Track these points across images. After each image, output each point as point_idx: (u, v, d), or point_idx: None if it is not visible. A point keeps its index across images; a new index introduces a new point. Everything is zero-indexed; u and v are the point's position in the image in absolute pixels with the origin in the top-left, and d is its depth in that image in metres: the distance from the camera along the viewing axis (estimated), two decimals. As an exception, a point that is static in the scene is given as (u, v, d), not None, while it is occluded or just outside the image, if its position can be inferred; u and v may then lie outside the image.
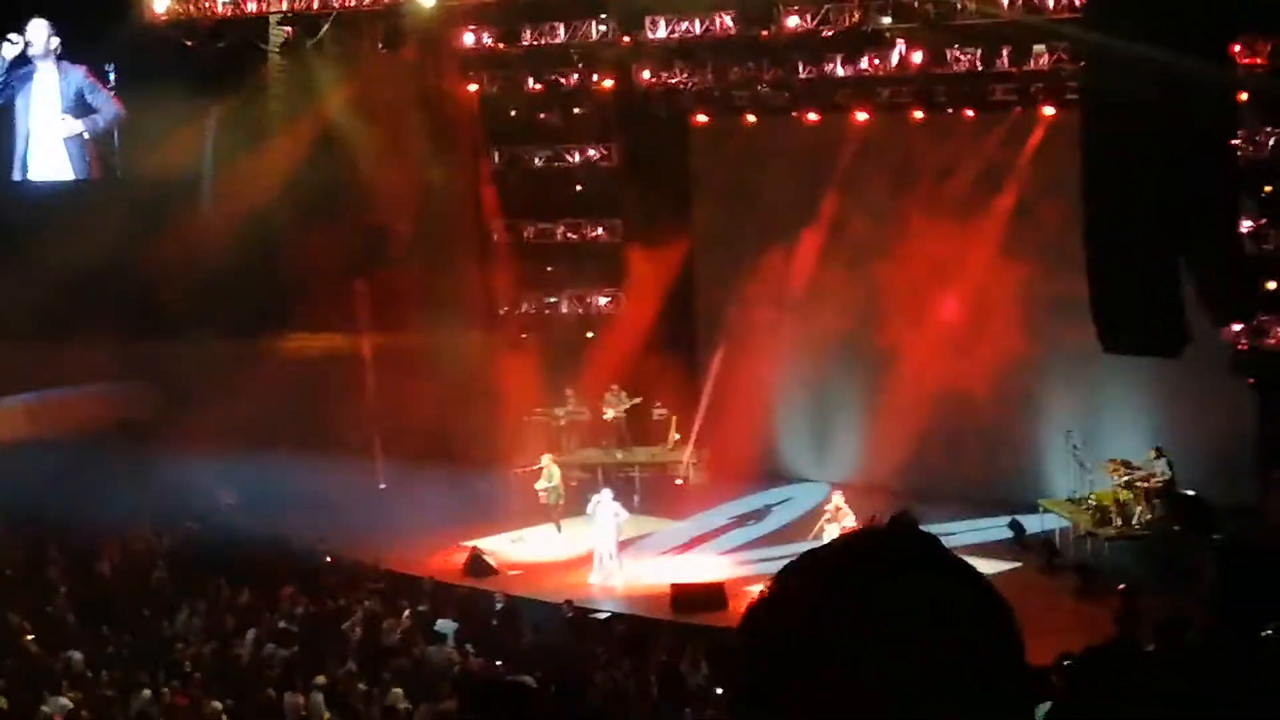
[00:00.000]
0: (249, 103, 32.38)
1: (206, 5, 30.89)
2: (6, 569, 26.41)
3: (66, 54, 34.51)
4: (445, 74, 32.94)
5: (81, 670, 20.21)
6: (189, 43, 31.84)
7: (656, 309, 33.01)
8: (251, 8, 30.52)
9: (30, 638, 21.83)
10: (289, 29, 30.52)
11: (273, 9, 30.38)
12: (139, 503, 29.10)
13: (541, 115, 33.79)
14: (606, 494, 27.25)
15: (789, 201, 32.11)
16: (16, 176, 35.14)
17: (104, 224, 32.39)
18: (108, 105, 34.51)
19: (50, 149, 34.99)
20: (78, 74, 34.63)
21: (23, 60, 34.40)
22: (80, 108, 34.70)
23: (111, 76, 34.35)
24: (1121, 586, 23.08)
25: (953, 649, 2.05)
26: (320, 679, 19.37)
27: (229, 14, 30.77)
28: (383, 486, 32.14)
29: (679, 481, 31.79)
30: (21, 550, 27.63)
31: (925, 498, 30.64)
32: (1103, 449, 27.70)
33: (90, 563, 26.88)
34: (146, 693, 19.07)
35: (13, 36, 34.09)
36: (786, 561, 2.20)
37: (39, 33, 34.40)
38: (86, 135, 34.80)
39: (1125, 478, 26.07)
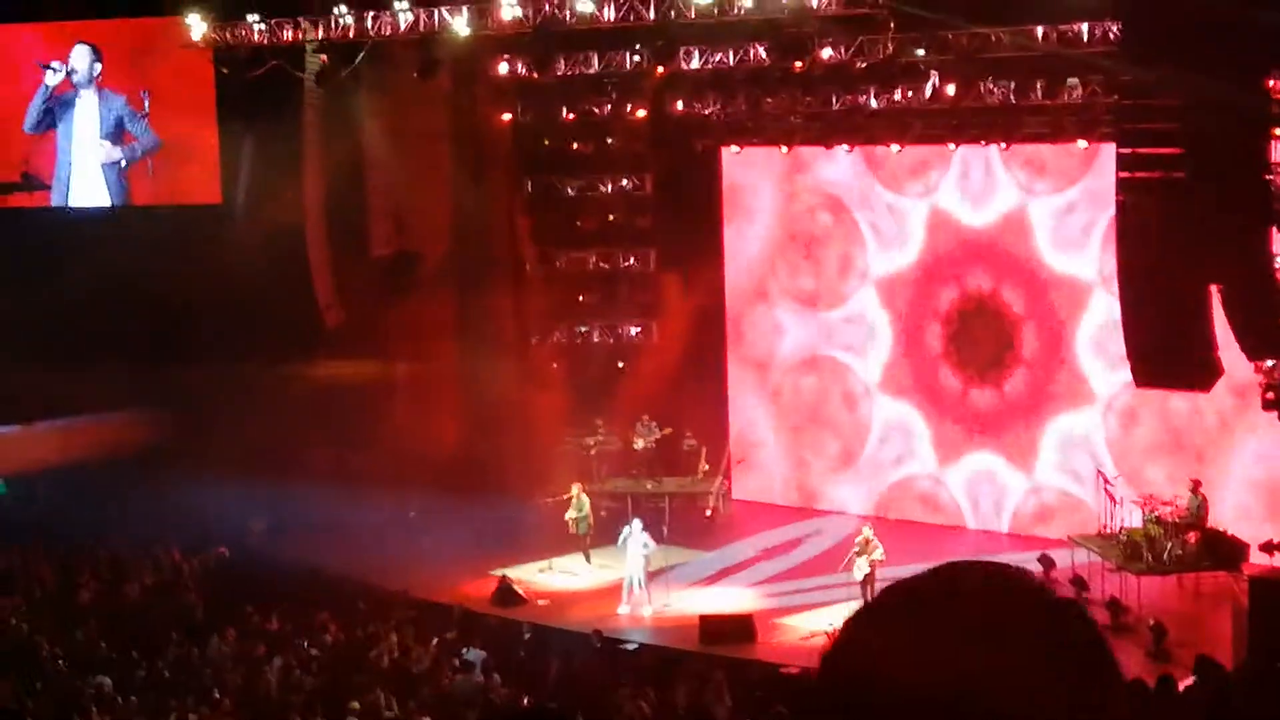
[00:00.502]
0: (284, 130, 32.48)
1: (243, 32, 30.98)
2: (37, 592, 26.47)
3: (108, 80, 34.85)
4: (480, 103, 33.01)
5: (111, 695, 20.24)
6: (225, 70, 31.94)
7: (688, 339, 33.03)
8: (288, 35, 30.60)
9: (60, 661, 21.90)
10: (325, 57, 30.59)
11: (309, 37, 30.46)
12: (169, 527, 29.19)
13: (575, 145, 33.87)
14: (636, 524, 27.22)
15: (820, 233, 32.14)
16: (56, 201, 35.45)
17: (137, 249, 32.61)
18: (146, 134, 34.79)
19: (90, 175, 35.29)
20: (119, 101, 34.92)
21: (66, 87, 34.77)
22: (118, 135, 35.00)
23: (147, 103, 34.59)
24: (1153, 622, 22.97)
25: (1056, 682, 2.04)
26: (354, 704, 19.37)
27: (265, 41, 30.85)
28: (412, 514, 32.12)
29: (708, 513, 31.75)
30: (52, 573, 27.69)
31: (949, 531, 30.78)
32: (1138, 483, 27.67)
33: (120, 586, 26.93)
34: (174, 718, 19.11)
35: (55, 64, 34.42)
36: (853, 608, 2.18)
37: (82, 59, 34.74)
38: (124, 163, 35.09)
39: (1156, 513, 25.95)
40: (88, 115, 35.15)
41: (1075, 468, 29.70)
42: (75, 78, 34.86)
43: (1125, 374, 25.73)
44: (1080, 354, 29.57)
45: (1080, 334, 29.53)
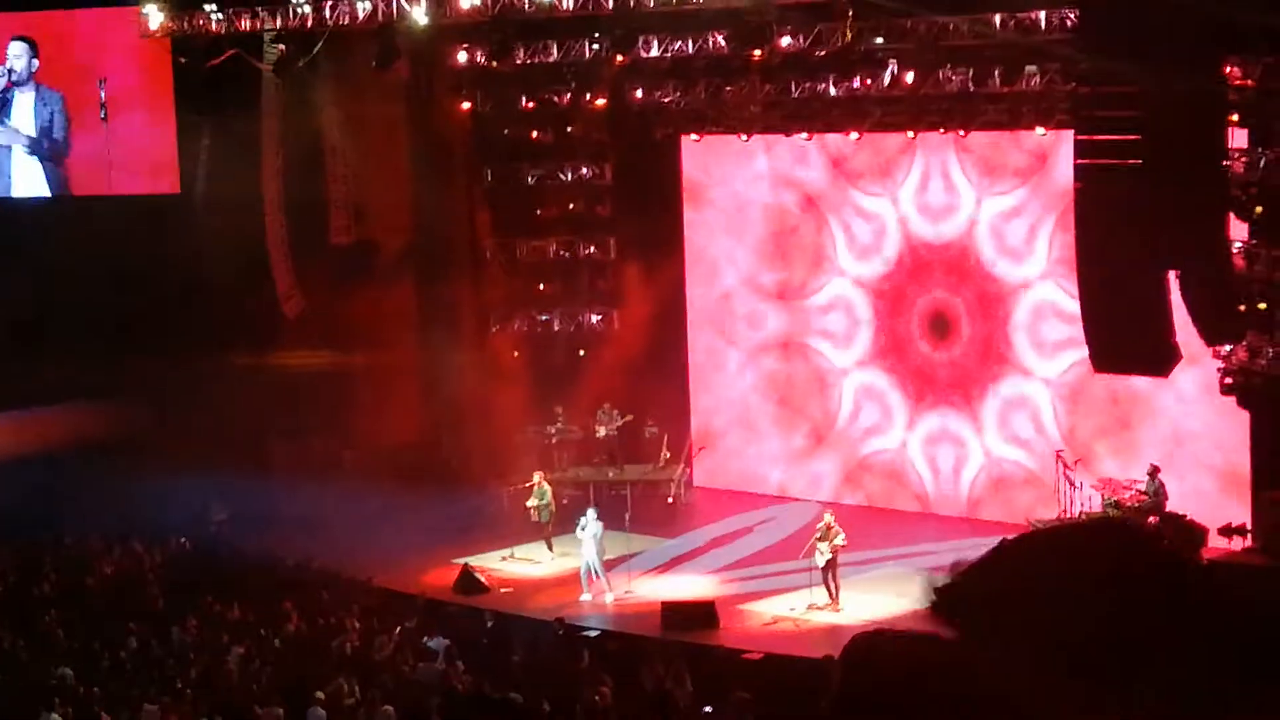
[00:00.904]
0: (242, 119, 32.44)
1: (200, 22, 30.91)
2: (-1, 585, 26.41)
3: (52, 76, 34.81)
4: (438, 92, 32.99)
5: (73, 686, 20.19)
6: (183, 59, 31.87)
7: (648, 327, 33.05)
8: (245, 25, 30.55)
9: (22, 653, 21.84)
10: (283, 46, 30.54)
11: (266, 26, 30.41)
12: (129, 518, 29.12)
13: (534, 133, 33.84)
14: (591, 512, 27.23)
15: (780, 220, 32.21)
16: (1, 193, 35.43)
17: (92, 238, 32.53)
18: (60, 140, 34.88)
19: (27, 166, 35.26)
20: (55, 98, 34.87)
21: (8, 87, 34.76)
22: (50, 132, 35.01)
23: (103, 93, 34.50)
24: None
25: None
26: (319, 694, 19.36)
27: (223, 31, 30.79)
28: (374, 503, 32.10)
29: (670, 500, 31.80)
30: (13, 565, 27.59)
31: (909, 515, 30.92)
32: (1096, 468, 27.85)
33: (81, 578, 26.85)
34: (149, 708, 19.10)
35: None
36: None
37: (20, 57, 34.70)
38: (45, 156, 35.18)
39: (1114, 497, 26.09)
40: (24, 110, 35.10)
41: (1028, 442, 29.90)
42: (14, 76, 34.83)
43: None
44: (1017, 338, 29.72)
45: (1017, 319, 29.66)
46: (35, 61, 34.95)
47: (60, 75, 35.08)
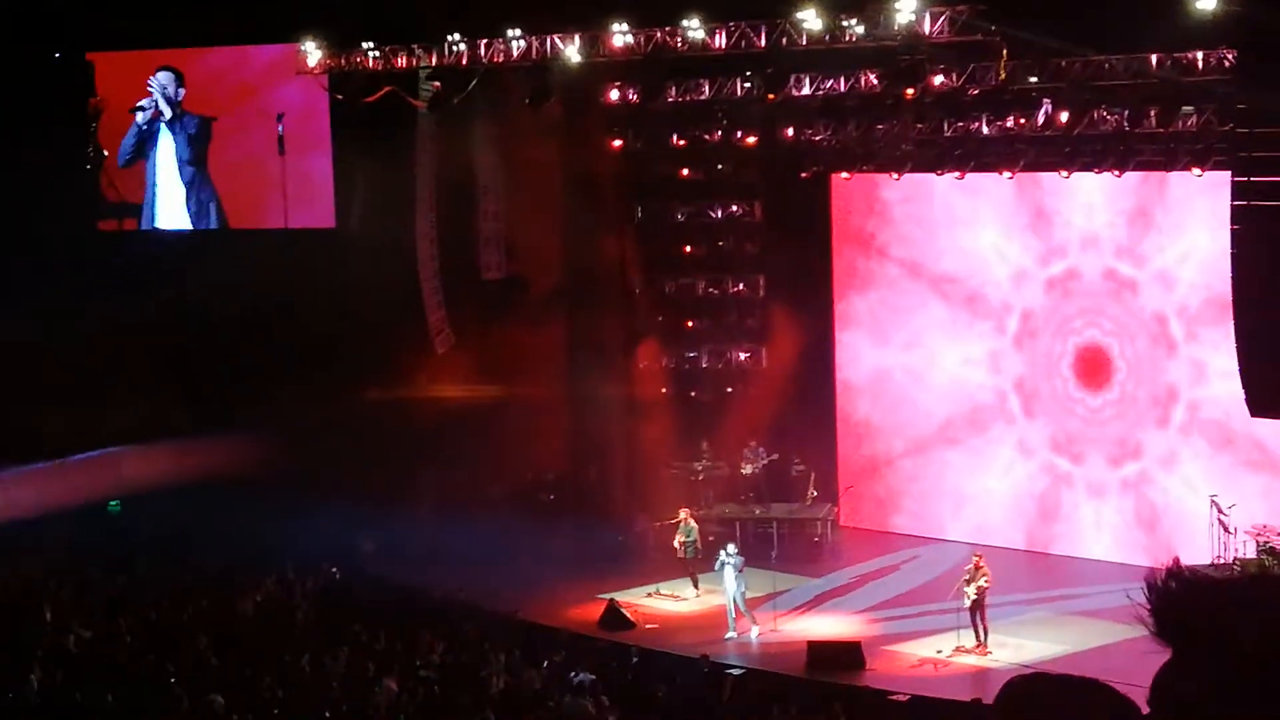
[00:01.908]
0: (397, 156, 32.83)
1: (358, 59, 31.36)
2: (151, 611, 26.79)
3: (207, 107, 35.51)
4: (591, 129, 33.20)
5: (224, 714, 20.42)
6: (340, 96, 32.34)
7: (796, 365, 33.02)
8: (401, 62, 30.94)
9: (173, 679, 22.13)
10: (438, 83, 30.89)
11: (422, 64, 30.79)
12: (279, 549, 29.46)
13: (684, 171, 33.97)
14: (731, 548, 27.16)
15: (929, 258, 32.05)
16: (145, 225, 36.04)
17: (243, 270, 33.04)
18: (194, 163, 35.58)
19: (173, 199, 35.92)
20: (194, 121, 35.52)
21: (155, 117, 35.44)
22: (195, 157, 35.66)
23: (281, 128, 35.01)
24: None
25: None
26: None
27: (379, 68, 31.21)
28: (520, 537, 32.27)
29: (816, 539, 31.70)
30: (164, 593, 27.99)
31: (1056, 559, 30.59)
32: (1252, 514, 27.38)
33: (232, 605, 27.19)
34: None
35: (144, 103, 35.16)
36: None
37: (166, 86, 35.38)
38: (191, 181, 35.82)
39: (1270, 543, 25.67)
40: (168, 140, 35.79)
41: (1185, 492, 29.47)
42: (160, 105, 35.52)
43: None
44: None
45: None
46: (182, 90, 35.61)
47: (216, 109, 35.71)
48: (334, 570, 29.24)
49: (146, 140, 35.79)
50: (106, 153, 35.89)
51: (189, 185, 35.95)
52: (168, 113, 35.61)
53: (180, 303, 33.92)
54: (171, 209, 36.11)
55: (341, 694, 21.83)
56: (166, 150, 35.87)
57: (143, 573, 29.04)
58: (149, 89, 35.49)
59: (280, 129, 34.90)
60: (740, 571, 26.72)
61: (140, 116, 35.52)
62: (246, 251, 34.39)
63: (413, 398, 33.88)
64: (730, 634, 26.74)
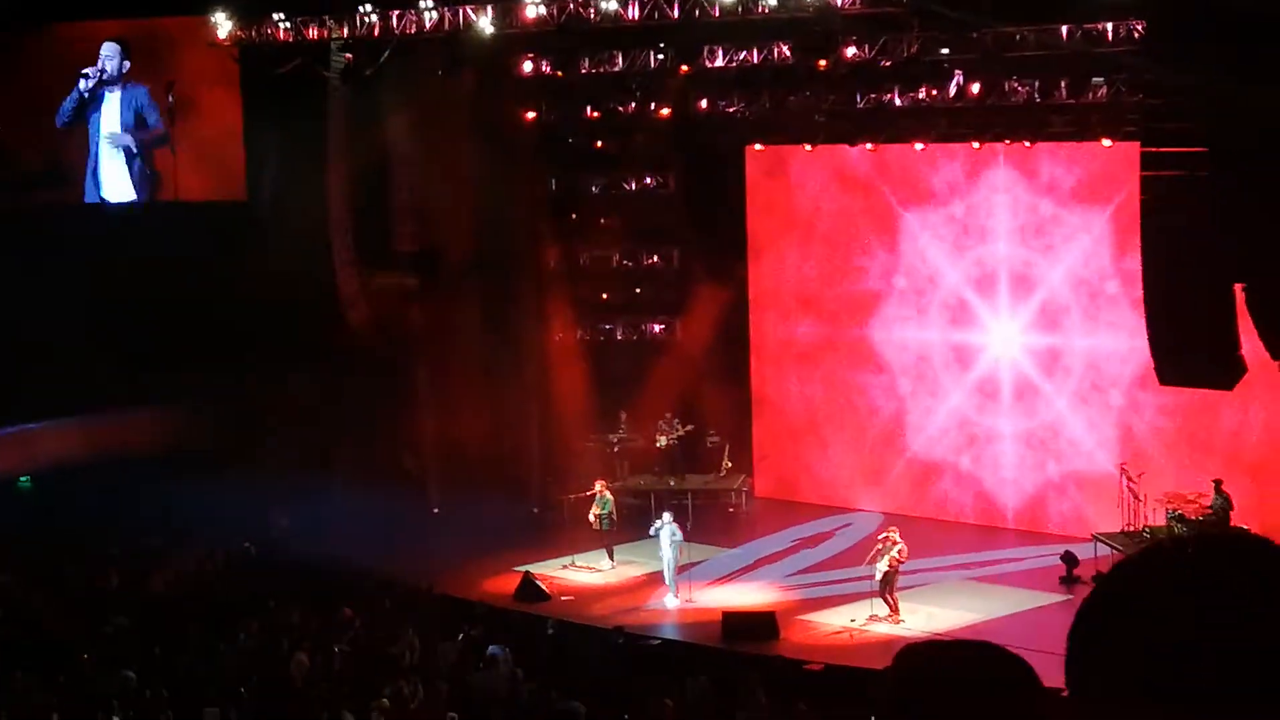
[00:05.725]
0: (308, 128, 32.58)
1: (268, 30, 31.10)
2: (64, 588, 26.57)
3: (133, 75, 35.18)
4: (504, 101, 33.07)
5: (135, 689, 20.29)
6: (250, 67, 32.06)
7: (711, 336, 33.08)
8: (313, 33, 30.71)
9: (85, 655, 21.97)
10: (349, 55, 30.70)
11: (334, 35, 30.57)
12: (193, 524, 29.28)
13: (599, 143, 33.92)
14: (667, 516, 27.15)
15: (845, 230, 32.16)
16: (90, 198, 35.66)
17: (164, 246, 32.77)
18: (158, 124, 35.16)
19: (115, 169, 35.56)
20: (141, 91, 35.20)
21: (98, 86, 35.10)
22: (138, 126, 35.31)
23: (171, 98, 34.83)
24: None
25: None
26: (384, 701, 19.39)
27: (290, 39, 30.97)
28: (436, 511, 32.22)
29: (731, 509, 31.80)
30: (77, 570, 27.78)
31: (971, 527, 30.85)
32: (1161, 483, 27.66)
33: (144, 582, 27.01)
34: (210, 710, 19.19)
35: (89, 70, 34.77)
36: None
37: (112, 58, 35.03)
38: (134, 150, 35.42)
39: (1179, 510, 25.95)
40: (112, 110, 35.45)
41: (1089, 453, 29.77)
42: (105, 75, 35.17)
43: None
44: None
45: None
46: (126, 63, 35.30)
47: (149, 77, 35.48)
48: (248, 545, 29.09)
49: (88, 105, 35.41)
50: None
51: (127, 157, 35.62)
52: (113, 80, 35.28)
53: (99, 277, 33.51)
54: (112, 179, 35.74)
55: (255, 668, 21.74)
56: (110, 120, 35.50)
57: (56, 549, 28.77)
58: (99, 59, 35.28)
59: (170, 99, 34.71)
60: (675, 538, 26.64)
61: (83, 83, 35.13)
62: (160, 225, 34.10)
63: (327, 371, 33.67)
64: (668, 598, 26.66)
